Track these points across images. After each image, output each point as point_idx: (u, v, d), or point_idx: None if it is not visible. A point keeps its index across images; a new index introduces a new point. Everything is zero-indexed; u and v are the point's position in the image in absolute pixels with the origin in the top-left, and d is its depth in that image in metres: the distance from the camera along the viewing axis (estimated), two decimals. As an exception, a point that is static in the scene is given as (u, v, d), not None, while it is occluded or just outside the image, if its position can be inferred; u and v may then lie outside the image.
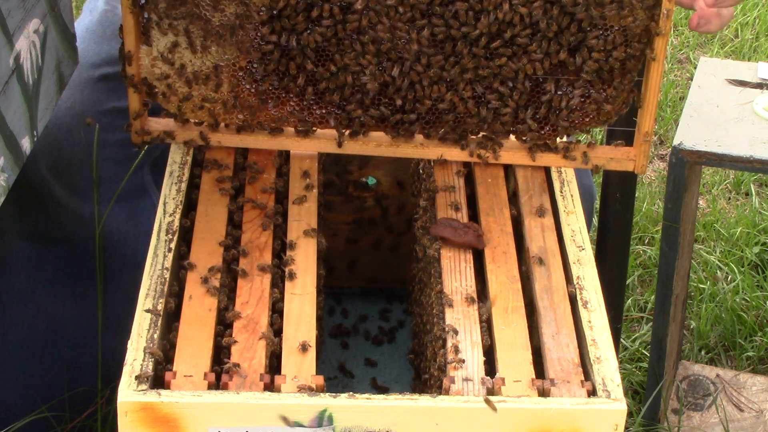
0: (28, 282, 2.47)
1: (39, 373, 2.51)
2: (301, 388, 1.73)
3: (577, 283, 1.93)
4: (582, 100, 2.08)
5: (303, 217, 2.04)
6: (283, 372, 1.76)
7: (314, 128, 2.13)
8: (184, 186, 2.06)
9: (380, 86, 2.06)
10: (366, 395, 1.72)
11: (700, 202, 3.69)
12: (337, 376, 2.49)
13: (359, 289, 2.68)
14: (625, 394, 1.80)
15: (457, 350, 1.82)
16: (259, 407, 1.70)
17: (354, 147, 2.14)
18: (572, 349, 1.83)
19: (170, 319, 1.84)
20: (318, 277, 1.95)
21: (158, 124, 2.14)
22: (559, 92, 2.07)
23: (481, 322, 1.87)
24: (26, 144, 1.95)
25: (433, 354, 1.93)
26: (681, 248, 2.59)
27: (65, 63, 2.12)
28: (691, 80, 3.03)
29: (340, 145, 2.13)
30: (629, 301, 3.26)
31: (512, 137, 2.14)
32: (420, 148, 2.15)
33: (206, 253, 1.94)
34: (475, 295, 1.92)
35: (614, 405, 1.74)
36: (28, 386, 2.50)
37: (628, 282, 3.15)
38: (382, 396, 1.72)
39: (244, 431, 1.71)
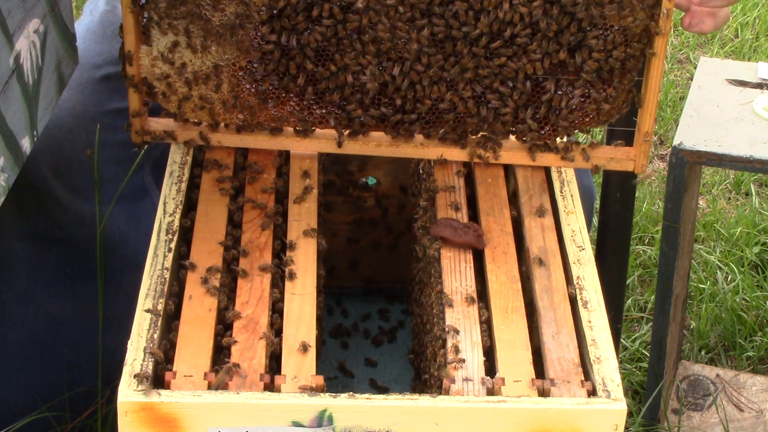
0: (28, 282, 2.47)
1: (39, 373, 2.51)
2: (303, 389, 1.73)
3: (577, 283, 1.93)
4: (582, 99, 2.08)
5: (303, 217, 2.04)
6: (283, 372, 1.76)
7: (314, 128, 2.13)
8: (184, 186, 2.06)
9: (380, 86, 2.06)
10: (366, 395, 1.72)
11: (700, 202, 3.69)
12: (337, 376, 2.49)
13: (359, 289, 2.68)
14: (625, 394, 1.81)
15: (457, 350, 1.82)
16: (259, 407, 1.70)
17: (354, 147, 2.14)
18: (572, 349, 1.83)
19: (170, 319, 1.84)
20: (318, 278, 1.95)
21: (158, 124, 2.14)
22: (559, 92, 2.07)
23: (481, 322, 1.87)
24: (26, 144, 1.95)
25: (433, 354, 1.93)
26: (681, 248, 2.59)
27: (65, 63, 2.12)
28: (691, 80, 3.03)
29: (340, 145, 2.13)
30: (629, 301, 3.26)
31: (512, 137, 2.14)
32: (420, 148, 2.15)
33: (206, 253, 1.94)
34: (475, 295, 1.92)
35: (614, 405, 1.74)
36: (28, 386, 2.50)
37: (628, 282, 3.15)
38: (382, 396, 1.72)
39: (244, 431, 1.71)
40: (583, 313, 1.88)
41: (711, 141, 2.48)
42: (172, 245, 1.93)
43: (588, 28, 2.01)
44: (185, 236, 2.00)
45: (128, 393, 1.69)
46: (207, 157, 2.13)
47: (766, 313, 3.22)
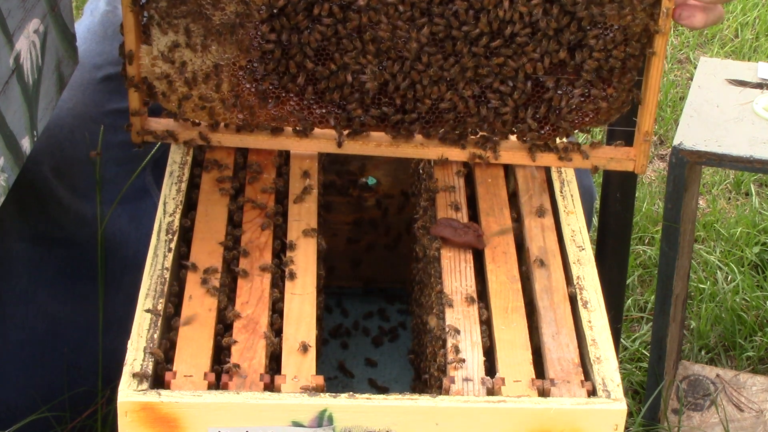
0: (29, 283, 2.47)
1: (39, 373, 2.51)
2: (303, 389, 1.73)
3: (577, 283, 1.93)
4: (582, 99, 2.08)
5: (303, 217, 2.04)
6: (283, 372, 1.76)
7: (314, 128, 2.13)
8: (184, 186, 2.06)
9: (380, 86, 2.06)
10: (366, 395, 1.72)
11: (700, 202, 3.69)
12: (337, 376, 2.49)
13: (359, 289, 2.68)
14: (625, 394, 1.81)
15: (457, 350, 1.82)
16: (259, 407, 1.70)
17: (354, 147, 2.14)
18: (572, 349, 1.83)
19: (170, 319, 1.84)
20: (318, 278, 1.95)
21: (158, 124, 2.14)
22: (559, 91, 2.07)
23: (481, 322, 1.88)
24: (26, 144, 1.95)
25: (433, 354, 1.93)
26: (681, 248, 2.59)
27: (65, 63, 2.12)
28: (691, 80, 3.03)
29: (340, 145, 2.13)
30: (629, 301, 3.26)
31: (512, 137, 2.14)
32: (420, 148, 2.15)
33: (206, 253, 1.94)
34: (475, 295, 1.92)
35: (614, 405, 1.74)
36: (28, 386, 2.50)
37: (628, 282, 3.15)
38: (382, 396, 1.72)
39: (244, 431, 1.71)
40: (583, 313, 1.88)
41: (711, 141, 2.48)
42: (172, 245, 1.93)
43: (588, 27, 2.01)
44: (185, 236, 2.00)
45: (128, 393, 1.69)
46: (207, 157, 2.13)
47: (766, 313, 3.22)
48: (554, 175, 2.14)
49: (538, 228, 2.04)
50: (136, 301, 1.83)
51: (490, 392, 1.76)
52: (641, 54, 2.03)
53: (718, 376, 2.90)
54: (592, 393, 1.76)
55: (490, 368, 1.81)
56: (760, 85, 2.65)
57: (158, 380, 1.74)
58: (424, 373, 2.10)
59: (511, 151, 2.15)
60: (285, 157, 2.17)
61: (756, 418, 2.81)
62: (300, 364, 1.78)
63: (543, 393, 1.76)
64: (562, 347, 1.83)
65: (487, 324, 1.87)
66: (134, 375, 1.72)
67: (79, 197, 2.44)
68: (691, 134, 2.50)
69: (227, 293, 1.90)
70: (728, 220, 3.58)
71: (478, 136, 2.13)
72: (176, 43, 2.04)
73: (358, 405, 1.71)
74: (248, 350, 1.79)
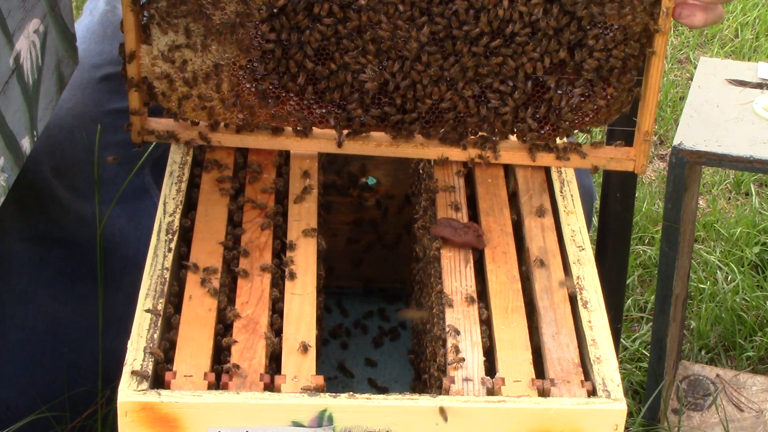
0: (29, 283, 2.47)
1: (39, 373, 2.51)
2: (304, 390, 1.73)
3: (577, 283, 1.93)
4: (582, 99, 2.08)
5: (303, 217, 2.04)
6: (283, 372, 1.76)
7: (314, 128, 2.13)
8: (184, 186, 2.06)
9: (380, 85, 2.06)
10: (366, 395, 1.72)
11: (700, 202, 3.69)
12: (337, 376, 2.49)
13: (359, 289, 2.68)
14: (625, 394, 1.80)
15: (457, 350, 1.82)
16: (259, 407, 1.70)
17: (354, 147, 2.14)
18: (572, 349, 1.83)
19: (170, 320, 1.84)
20: (318, 278, 1.95)
21: (158, 124, 2.14)
22: (559, 91, 2.07)
23: (481, 322, 1.87)
24: (26, 144, 1.95)
25: (433, 354, 1.93)
26: (681, 248, 2.59)
27: (65, 63, 2.12)
28: (691, 80, 3.03)
29: (340, 145, 2.13)
30: (629, 301, 3.26)
31: (513, 137, 2.14)
32: (420, 148, 2.15)
33: (206, 253, 1.94)
34: (475, 295, 1.92)
35: (614, 405, 1.74)
36: (28, 386, 2.50)
37: (628, 282, 3.15)
38: (382, 396, 1.72)
39: (244, 431, 1.71)
40: (583, 313, 1.88)
41: (711, 141, 2.48)
42: (172, 245, 1.93)
43: (588, 27, 2.01)
44: (185, 236, 2.00)
45: (128, 393, 1.69)
46: (207, 157, 2.13)
47: (766, 313, 3.22)
48: (554, 175, 2.14)
49: (538, 228, 2.04)
50: (136, 301, 1.83)
51: (490, 392, 1.76)
52: (641, 53, 2.03)
53: (718, 376, 2.90)
54: (592, 393, 1.76)
55: (490, 368, 1.81)
56: (760, 85, 2.65)
57: (158, 380, 1.74)
58: (424, 373, 2.10)
59: (511, 151, 2.15)
60: (285, 157, 2.17)
61: (756, 418, 2.81)
62: (300, 364, 1.78)
63: (543, 393, 1.76)
64: (562, 347, 1.83)
65: (487, 324, 1.87)
66: (134, 373, 1.72)
67: (78, 197, 2.44)
68: (691, 134, 2.50)
69: (227, 293, 1.90)
70: (728, 220, 3.58)
71: (477, 136, 2.13)
72: (176, 42, 2.04)
73: (358, 405, 1.71)
74: (248, 350, 1.79)
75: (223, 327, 1.84)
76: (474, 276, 1.96)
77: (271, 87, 2.08)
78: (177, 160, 2.11)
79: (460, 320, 1.88)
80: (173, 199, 2.03)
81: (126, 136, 2.16)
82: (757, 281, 3.33)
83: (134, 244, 2.51)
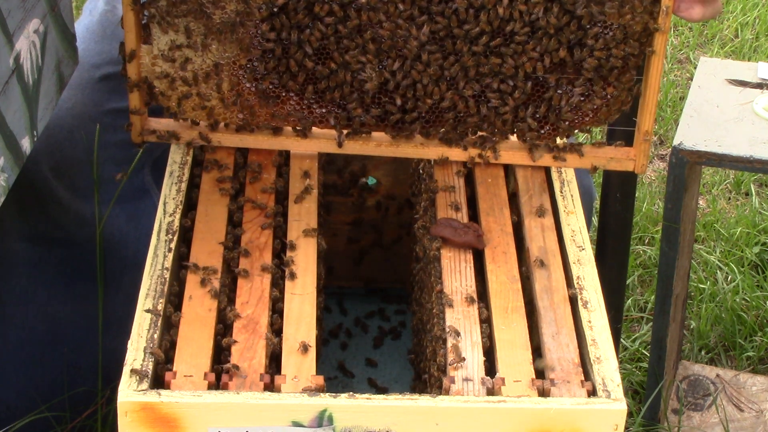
0: (28, 283, 2.47)
1: (39, 373, 2.51)
2: (304, 390, 1.73)
3: (577, 283, 1.93)
4: (582, 98, 2.08)
5: (303, 217, 2.04)
6: (283, 372, 1.76)
7: (314, 127, 2.13)
8: (184, 186, 2.06)
9: (380, 85, 2.06)
10: (366, 395, 1.72)
11: (700, 202, 3.69)
12: (337, 376, 2.49)
13: (359, 289, 2.68)
14: (625, 394, 1.80)
15: (457, 350, 1.82)
16: (259, 407, 1.70)
17: (354, 147, 2.14)
18: (572, 349, 1.83)
19: (170, 320, 1.84)
20: (318, 278, 1.95)
21: (158, 124, 2.14)
22: (559, 91, 2.07)
23: (481, 322, 1.87)
24: (26, 144, 1.95)
25: (433, 354, 1.93)
26: (681, 248, 2.59)
27: (65, 63, 2.12)
28: (691, 80, 3.03)
29: (340, 145, 2.13)
30: (629, 301, 3.26)
31: (512, 137, 2.14)
32: (420, 148, 2.15)
33: (206, 253, 1.94)
34: (475, 295, 1.92)
35: (614, 405, 1.74)
36: (28, 387, 2.50)
37: (628, 282, 3.15)
38: (382, 396, 1.72)
39: (244, 431, 1.71)
40: (583, 313, 1.88)
41: (711, 141, 2.48)
42: (172, 245, 1.93)
43: (588, 26, 2.01)
44: (185, 236, 2.00)
45: (128, 393, 1.69)
46: (207, 157, 2.13)
47: (766, 313, 3.22)
48: (554, 175, 2.14)
49: (538, 228, 2.04)
50: (136, 301, 1.83)
51: (490, 392, 1.76)
52: (641, 53, 2.03)
53: (718, 376, 2.90)
54: (592, 393, 1.76)
55: (490, 368, 1.81)
56: (760, 85, 2.65)
57: (158, 380, 1.74)
58: (424, 373, 2.10)
59: (511, 151, 2.15)
60: (285, 157, 2.17)
61: (756, 418, 2.81)
62: (300, 364, 1.78)
63: (543, 393, 1.76)
64: (562, 347, 1.83)
65: (487, 324, 1.87)
66: (133, 371, 1.71)
67: (78, 197, 2.44)
68: (691, 134, 2.50)
69: (227, 293, 1.90)
70: (728, 220, 3.58)
71: (477, 135, 2.13)
72: (176, 42, 2.04)
73: (358, 405, 1.71)
74: (248, 350, 1.79)
75: (223, 327, 1.84)
76: (474, 276, 1.96)
77: (271, 86, 2.08)
78: (177, 160, 2.11)
79: (460, 320, 1.88)
80: (173, 199, 2.03)
81: (126, 136, 2.16)
82: (757, 281, 3.33)
83: (134, 244, 2.51)
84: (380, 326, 2.61)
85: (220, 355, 1.81)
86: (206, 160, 2.12)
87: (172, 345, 1.79)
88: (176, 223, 1.98)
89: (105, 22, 2.52)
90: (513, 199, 2.12)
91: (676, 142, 2.48)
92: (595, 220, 3.07)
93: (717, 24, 4.58)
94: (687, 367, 2.92)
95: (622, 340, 3.06)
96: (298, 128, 2.12)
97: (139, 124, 2.12)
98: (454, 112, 2.09)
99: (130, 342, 1.77)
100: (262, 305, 1.87)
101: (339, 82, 2.06)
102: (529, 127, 2.10)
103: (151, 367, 1.73)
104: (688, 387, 2.87)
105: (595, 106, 2.09)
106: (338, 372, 2.50)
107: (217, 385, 1.74)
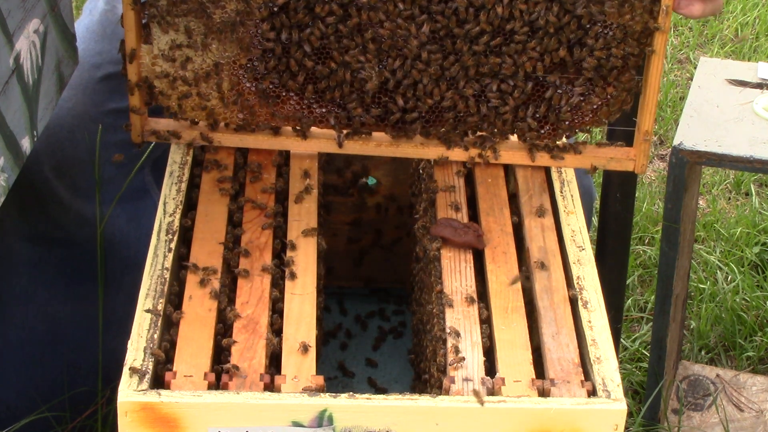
0: (29, 283, 2.47)
1: (39, 373, 2.51)
2: (305, 390, 1.73)
3: (577, 283, 1.93)
4: (582, 98, 2.08)
5: (303, 217, 2.04)
6: (283, 372, 1.76)
7: (314, 127, 2.13)
8: (184, 186, 2.06)
9: (380, 85, 2.06)
10: (366, 395, 1.72)
11: (700, 202, 3.69)
12: (337, 376, 2.49)
13: (359, 289, 2.68)
14: (625, 394, 1.80)
15: (457, 350, 1.82)
16: (259, 407, 1.70)
17: (354, 147, 2.14)
18: (572, 349, 1.83)
19: (170, 320, 1.84)
20: (318, 278, 1.95)
21: (158, 124, 2.14)
22: (559, 91, 2.07)
23: (481, 322, 1.87)
24: (26, 144, 1.95)
25: (433, 354, 1.93)
26: (681, 248, 2.59)
27: (65, 63, 2.12)
28: (691, 80, 3.03)
29: (340, 145, 2.13)
30: (629, 301, 3.26)
31: (512, 137, 2.14)
32: (420, 148, 2.15)
33: (206, 253, 1.94)
34: (475, 295, 1.92)
35: (614, 405, 1.74)
36: (28, 386, 2.50)
37: (628, 282, 3.15)
38: (382, 396, 1.72)
39: (244, 431, 1.71)
40: (583, 313, 1.88)
41: (711, 141, 2.48)
42: (172, 245, 1.93)
43: (587, 25, 2.01)
44: (185, 236, 2.00)
45: (128, 393, 1.69)
46: (207, 157, 2.13)
47: (766, 313, 3.22)
48: (554, 175, 2.14)
49: (538, 228, 2.04)
50: (137, 301, 1.83)
51: (490, 392, 1.76)
52: (641, 52, 2.03)
53: (718, 376, 2.90)
54: (592, 393, 1.76)
55: (490, 368, 1.81)
56: (760, 85, 2.65)
57: (158, 380, 1.74)
58: (424, 373, 2.10)
59: (511, 151, 2.15)
60: (285, 157, 2.17)
61: (756, 418, 2.81)
62: (300, 365, 1.78)
63: (543, 393, 1.76)
64: (562, 347, 1.83)
65: (487, 324, 1.87)
66: (132, 369, 1.71)
67: (79, 197, 2.44)
68: (691, 134, 2.50)
69: (227, 293, 1.90)
70: (728, 220, 3.58)
71: (476, 135, 2.13)
72: (176, 41, 2.04)
73: (358, 405, 1.71)
74: (248, 350, 1.79)
75: (223, 327, 1.84)
76: (474, 276, 1.96)
77: (271, 86, 2.08)
78: (177, 160, 2.11)
79: (460, 320, 1.88)
80: (173, 199, 2.03)
81: (126, 136, 2.16)
82: (757, 281, 3.33)
83: (134, 244, 2.51)
84: (380, 326, 2.61)
85: (220, 355, 1.81)
86: (206, 160, 2.12)
87: (172, 345, 1.79)
88: (176, 223, 1.98)
89: (105, 22, 2.52)
90: (513, 199, 2.12)
91: (676, 142, 2.48)
92: (595, 220, 3.06)
93: (717, 24, 4.58)
94: (687, 367, 2.92)
95: (622, 340, 3.06)
96: (298, 128, 2.12)
97: (139, 124, 2.12)
98: (455, 111, 2.09)
99: (130, 342, 1.77)
100: (262, 305, 1.87)
101: (339, 81, 2.06)
102: (529, 127, 2.10)
103: (151, 367, 1.73)
104: (688, 387, 2.87)
105: (594, 106, 2.09)
106: (338, 372, 2.50)
107: (217, 385, 1.74)
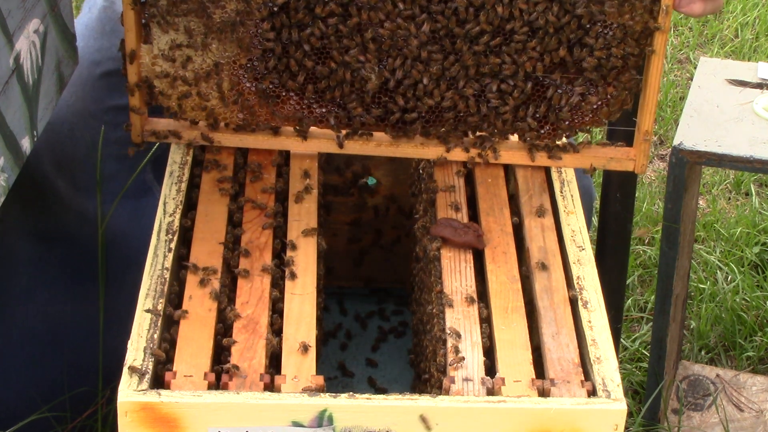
0: (29, 282, 2.47)
1: (40, 373, 2.51)
2: (305, 390, 1.73)
3: (578, 283, 1.93)
4: (582, 98, 2.08)
5: (303, 217, 2.04)
6: (283, 372, 1.76)
7: (314, 127, 2.13)
8: (184, 186, 2.06)
9: (380, 85, 2.06)
10: (366, 395, 1.72)
11: (700, 202, 3.69)
12: (337, 376, 2.49)
13: (359, 289, 2.68)
14: (625, 394, 1.80)
15: (457, 350, 1.82)
16: (259, 407, 1.70)
17: (354, 147, 2.14)
18: (572, 349, 1.83)
19: (170, 319, 1.84)
20: (318, 278, 1.95)
21: (158, 124, 2.14)
22: (559, 90, 2.07)
23: (481, 322, 1.87)
24: (26, 144, 1.95)
25: (433, 354, 1.93)
26: (681, 248, 2.59)
27: (65, 63, 2.12)
28: (691, 80, 3.03)
29: (340, 145, 2.13)
30: (629, 301, 3.26)
31: (513, 137, 2.14)
32: (420, 148, 2.15)
33: (206, 253, 1.94)
34: (475, 295, 1.92)
35: (614, 405, 1.74)
36: (29, 386, 2.49)
37: (628, 282, 3.15)
38: (382, 396, 1.72)
39: (244, 431, 1.71)
40: (583, 313, 1.88)
41: (711, 141, 2.48)
42: (172, 245, 1.93)
43: (587, 25, 2.01)
44: (185, 236, 2.00)
45: (128, 393, 1.69)
46: (207, 157, 2.13)
47: (766, 313, 3.22)
48: (554, 175, 2.14)
49: (538, 228, 2.04)
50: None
51: (490, 392, 1.76)
52: (641, 52, 2.03)
53: (718, 376, 2.90)
54: (592, 393, 1.76)
55: (490, 368, 1.81)
56: (760, 85, 2.65)
57: (158, 380, 1.74)
58: (424, 373, 2.10)
59: (511, 151, 2.15)
60: (285, 157, 2.17)
61: (756, 418, 2.81)
62: (300, 364, 1.78)
63: (543, 393, 1.76)
64: (562, 347, 1.83)
65: (487, 324, 1.87)
66: (131, 369, 1.71)
67: (80, 194, 2.44)
68: (691, 134, 2.50)
69: (227, 293, 1.90)
70: (728, 220, 3.58)
71: (476, 135, 2.13)
72: (176, 41, 2.04)
73: (358, 405, 1.71)
74: (248, 350, 1.79)
75: (223, 327, 1.84)
76: (474, 276, 1.96)
77: (271, 86, 2.08)
78: (177, 160, 2.11)
79: (460, 320, 1.88)
80: (173, 199, 2.03)
81: (125, 133, 2.16)
82: (757, 281, 3.33)
83: (136, 242, 2.50)
84: (380, 326, 2.61)
85: (220, 355, 1.81)
86: (206, 160, 2.12)
87: (172, 345, 1.79)
88: (176, 223, 1.98)
89: (104, 19, 2.52)
90: (513, 199, 2.12)
91: (676, 142, 2.48)
92: (595, 220, 3.06)
93: (717, 24, 4.58)
94: (687, 367, 2.92)
95: (622, 340, 3.06)
96: (298, 128, 2.12)
97: (139, 124, 2.12)
98: (455, 111, 2.09)
99: (130, 342, 1.77)
100: (262, 305, 1.87)
101: (339, 81, 2.06)
102: (529, 127, 2.10)
103: (151, 367, 1.73)
104: (688, 387, 2.87)
105: (594, 106, 2.09)
106: (338, 372, 2.50)
107: (217, 385, 1.74)
